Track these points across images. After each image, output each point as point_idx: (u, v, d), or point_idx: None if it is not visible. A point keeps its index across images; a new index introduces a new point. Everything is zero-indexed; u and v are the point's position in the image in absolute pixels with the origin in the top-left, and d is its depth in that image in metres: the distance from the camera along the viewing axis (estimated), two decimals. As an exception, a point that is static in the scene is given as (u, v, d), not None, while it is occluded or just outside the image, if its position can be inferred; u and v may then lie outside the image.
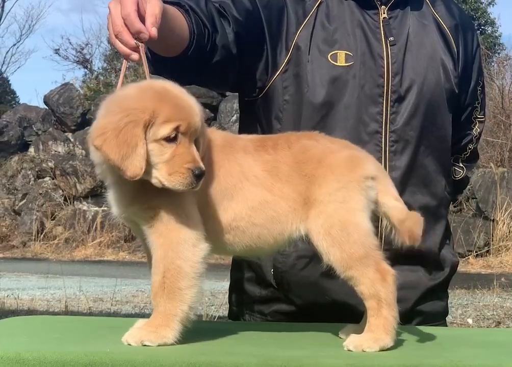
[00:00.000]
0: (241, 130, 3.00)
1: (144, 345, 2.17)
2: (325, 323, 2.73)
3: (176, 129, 2.12)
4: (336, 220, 2.26)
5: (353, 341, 2.23)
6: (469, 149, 3.21)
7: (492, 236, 15.25)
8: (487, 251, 15.17)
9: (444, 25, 3.07)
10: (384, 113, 2.91)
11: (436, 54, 3.02)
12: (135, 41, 2.28)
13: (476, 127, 3.20)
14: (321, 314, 2.93)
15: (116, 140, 2.08)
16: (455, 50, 3.06)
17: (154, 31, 2.29)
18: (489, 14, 28.76)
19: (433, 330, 2.62)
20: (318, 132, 2.44)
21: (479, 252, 14.96)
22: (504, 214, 15.30)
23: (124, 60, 2.33)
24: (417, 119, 2.94)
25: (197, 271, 2.22)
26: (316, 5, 2.96)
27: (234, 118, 18.76)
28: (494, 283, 11.27)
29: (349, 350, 2.20)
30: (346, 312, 2.78)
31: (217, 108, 19.16)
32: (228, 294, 3.21)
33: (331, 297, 2.91)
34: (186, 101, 2.18)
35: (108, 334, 2.37)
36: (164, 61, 2.65)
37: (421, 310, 3.00)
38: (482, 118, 3.22)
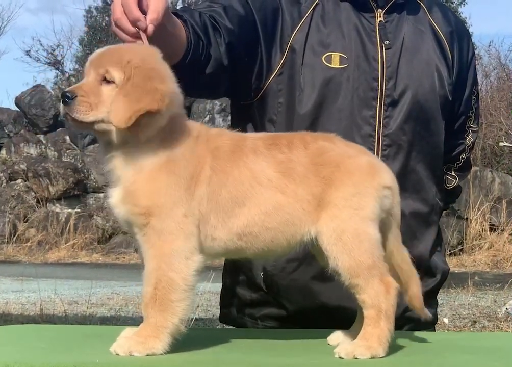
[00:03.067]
0: None
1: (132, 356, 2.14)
2: (315, 329, 2.72)
3: None
4: (349, 227, 2.23)
5: (344, 348, 2.21)
6: (462, 158, 3.19)
7: (466, 235, 15.37)
8: (461, 250, 15.28)
9: (440, 32, 3.06)
10: (377, 117, 2.90)
11: (431, 60, 3.01)
12: (135, 28, 2.27)
13: (469, 136, 3.18)
14: (310, 318, 2.92)
15: None
16: (450, 56, 3.05)
17: (150, 28, 2.27)
18: (460, 13, 28.88)
19: (420, 334, 2.62)
20: (335, 135, 2.39)
21: (452, 251, 15.06)
22: (476, 213, 15.42)
23: None
24: (410, 124, 2.93)
25: (189, 283, 2.19)
26: (312, 7, 2.94)
27: (207, 118, 18.71)
28: (469, 282, 11.34)
29: (340, 357, 2.19)
30: (336, 316, 2.77)
31: (190, 109, 19.09)
32: (220, 297, 3.19)
33: (321, 301, 2.90)
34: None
35: (95, 343, 2.35)
36: None
37: (411, 317, 2.98)
38: (476, 127, 3.20)
